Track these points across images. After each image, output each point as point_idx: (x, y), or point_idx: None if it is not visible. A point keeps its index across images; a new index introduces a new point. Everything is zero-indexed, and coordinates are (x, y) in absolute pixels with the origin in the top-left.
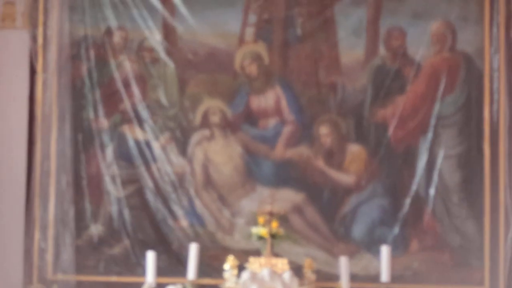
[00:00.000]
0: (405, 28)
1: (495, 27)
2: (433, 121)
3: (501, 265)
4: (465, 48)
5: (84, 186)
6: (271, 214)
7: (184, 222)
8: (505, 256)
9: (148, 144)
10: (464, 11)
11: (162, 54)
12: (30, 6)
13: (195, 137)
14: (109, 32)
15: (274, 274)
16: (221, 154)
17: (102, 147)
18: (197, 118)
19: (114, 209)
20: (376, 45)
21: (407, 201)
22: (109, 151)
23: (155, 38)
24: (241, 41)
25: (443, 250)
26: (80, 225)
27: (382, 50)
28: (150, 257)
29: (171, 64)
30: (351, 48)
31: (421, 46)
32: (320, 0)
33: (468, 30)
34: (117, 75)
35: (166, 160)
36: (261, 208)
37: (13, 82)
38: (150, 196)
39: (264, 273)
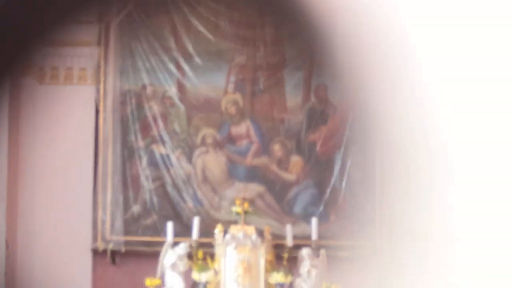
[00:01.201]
0: (327, 84)
1: None
2: (344, 141)
3: (385, 230)
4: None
5: (128, 182)
6: (244, 199)
7: (190, 204)
8: (388, 225)
9: (168, 156)
10: None
11: (177, 101)
12: (95, 71)
13: (196, 152)
14: (144, 87)
15: (246, 235)
16: (213, 162)
17: (140, 158)
18: (198, 140)
19: (147, 196)
20: (309, 95)
21: (328, 190)
22: (144, 161)
23: (172, 91)
24: (225, 92)
25: (350, 220)
26: (126, 206)
27: (313, 98)
28: (169, 225)
29: (182, 107)
30: (293, 97)
31: (336, 95)
32: (275, 67)
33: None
34: (149, 114)
35: (179, 166)
36: (237, 195)
37: (85, 118)
38: (169, 188)
39: (240, 235)
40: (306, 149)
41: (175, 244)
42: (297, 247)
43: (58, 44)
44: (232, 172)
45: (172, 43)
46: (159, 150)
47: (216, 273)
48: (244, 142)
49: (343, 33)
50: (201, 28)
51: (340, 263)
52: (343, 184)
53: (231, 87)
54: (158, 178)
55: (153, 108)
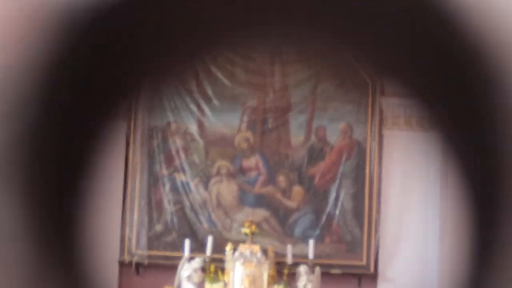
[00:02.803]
0: (326, 126)
1: (373, 127)
2: (339, 175)
3: (371, 251)
4: (357, 137)
5: (153, 205)
6: (252, 222)
7: (205, 225)
8: (374, 247)
9: (187, 183)
10: (357, 117)
11: (197, 137)
12: (126, 109)
13: (212, 181)
14: (168, 124)
15: (252, 253)
16: (226, 189)
17: (163, 185)
18: (214, 170)
19: (168, 217)
20: (310, 134)
21: (324, 217)
22: (167, 187)
23: (193, 128)
24: (239, 130)
25: (341, 243)
26: (150, 225)
27: (313, 137)
28: (187, 243)
29: (201, 142)
30: (297, 136)
31: (334, 136)
32: (281, 110)
33: (359, 127)
34: (172, 147)
35: (197, 192)
36: (246, 218)
37: (116, 150)
38: (188, 211)
39: (247, 252)
40: (306, 181)
41: (191, 258)
42: (296, 264)
43: None
44: (242, 199)
45: (194, 87)
46: (180, 178)
47: (226, 285)
48: (253, 173)
49: None
50: (219, 75)
51: (332, 279)
52: (337, 211)
53: (243, 126)
54: (178, 202)
55: (176, 142)
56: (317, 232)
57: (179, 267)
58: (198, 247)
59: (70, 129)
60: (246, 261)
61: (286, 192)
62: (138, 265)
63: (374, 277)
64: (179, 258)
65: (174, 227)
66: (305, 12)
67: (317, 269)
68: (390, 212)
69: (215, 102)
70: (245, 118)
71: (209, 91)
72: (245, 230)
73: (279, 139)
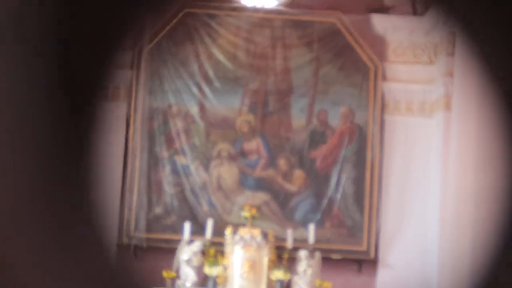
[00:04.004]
0: (327, 110)
1: (374, 111)
2: (340, 159)
3: (372, 237)
4: (359, 122)
5: (152, 187)
6: (252, 205)
7: (205, 208)
8: (374, 232)
9: (188, 166)
10: (359, 102)
11: (197, 119)
12: (127, 90)
13: (213, 164)
14: (169, 106)
15: (252, 237)
16: (226, 172)
17: (163, 167)
18: (215, 153)
19: (168, 200)
20: (311, 118)
21: (325, 201)
22: (167, 169)
23: (194, 110)
24: (240, 113)
25: (342, 228)
26: (150, 207)
27: (315, 121)
28: (186, 226)
29: (202, 124)
30: (298, 119)
31: (335, 119)
32: (283, 93)
33: (360, 112)
34: (173, 129)
35: (197, 175)
36: (246, 202)
37: (117, 130)
38: (188, 194)
39: (247, 236)
40: (308, 164)
41: (190, 242)
42: (296, 249)
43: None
44: (242, 182)
45: (195, 69)
46: (180, 160)
47: (225, 268)
48: (254, 156)
49: None
50: (221, 57)
51: (332, 264)
52: (338, 196)
53: (245, 108)
54: (178, 185)
55: (177, 124)
56: (318, 216)
57: (178, 250)
58: (198, 230)
59: (70, 110)
60: (246, 245)
61: (286, 176)
62: (137, 248)
63: (374, 262)
64: (179, 241)
65: (173, 210)
66: None
67: (317, 254)
68: (391, 197)
69: (217, 84)
70: (246, 101)
71: (210, 73)
72: (245, 213)
73: (280, 122)
